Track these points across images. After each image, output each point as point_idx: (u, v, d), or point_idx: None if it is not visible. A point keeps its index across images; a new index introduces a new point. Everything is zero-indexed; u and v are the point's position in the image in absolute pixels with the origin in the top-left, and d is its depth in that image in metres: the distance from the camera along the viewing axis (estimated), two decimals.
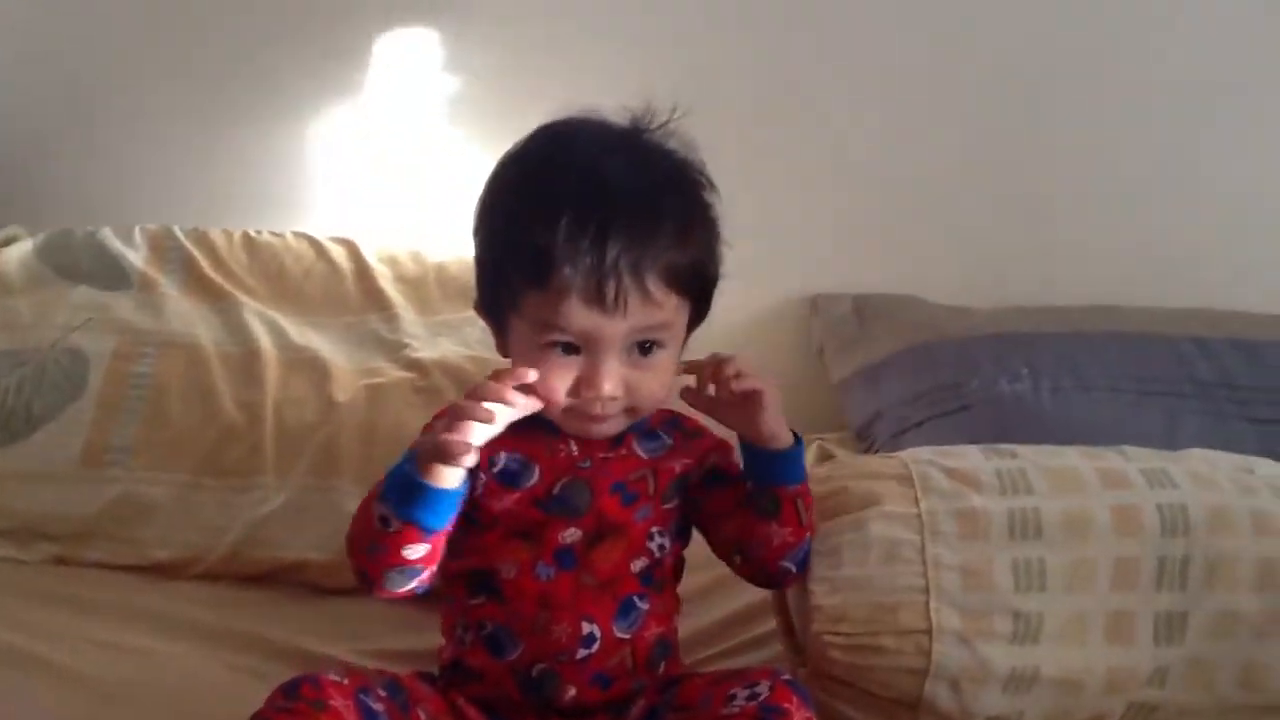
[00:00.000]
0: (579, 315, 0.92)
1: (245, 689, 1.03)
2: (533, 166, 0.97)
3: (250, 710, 0.89)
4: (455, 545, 1.00)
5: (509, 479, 1.00)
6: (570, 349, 0.94)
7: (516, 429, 0.97)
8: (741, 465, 1.04)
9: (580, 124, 0.98)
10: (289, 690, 0.90)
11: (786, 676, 0.94)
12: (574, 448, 1.01)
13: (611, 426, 1.00)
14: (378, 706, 0.93)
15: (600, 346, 0.94)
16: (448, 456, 0.89)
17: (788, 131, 1.68)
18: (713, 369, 0.98)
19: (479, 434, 0.91)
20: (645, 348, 0.96)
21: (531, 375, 0.93)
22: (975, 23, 1.65)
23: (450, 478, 0.91)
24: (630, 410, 0.99)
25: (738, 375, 0.97)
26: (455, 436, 0.89)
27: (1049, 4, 1.65)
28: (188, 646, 1.19)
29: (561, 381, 0.95)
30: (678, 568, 1.07)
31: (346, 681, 0.93)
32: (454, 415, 0.91)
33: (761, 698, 0.90)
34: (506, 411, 0.92)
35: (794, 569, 1.03)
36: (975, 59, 1.67)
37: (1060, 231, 1.74)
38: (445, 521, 0.93)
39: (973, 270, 1.74)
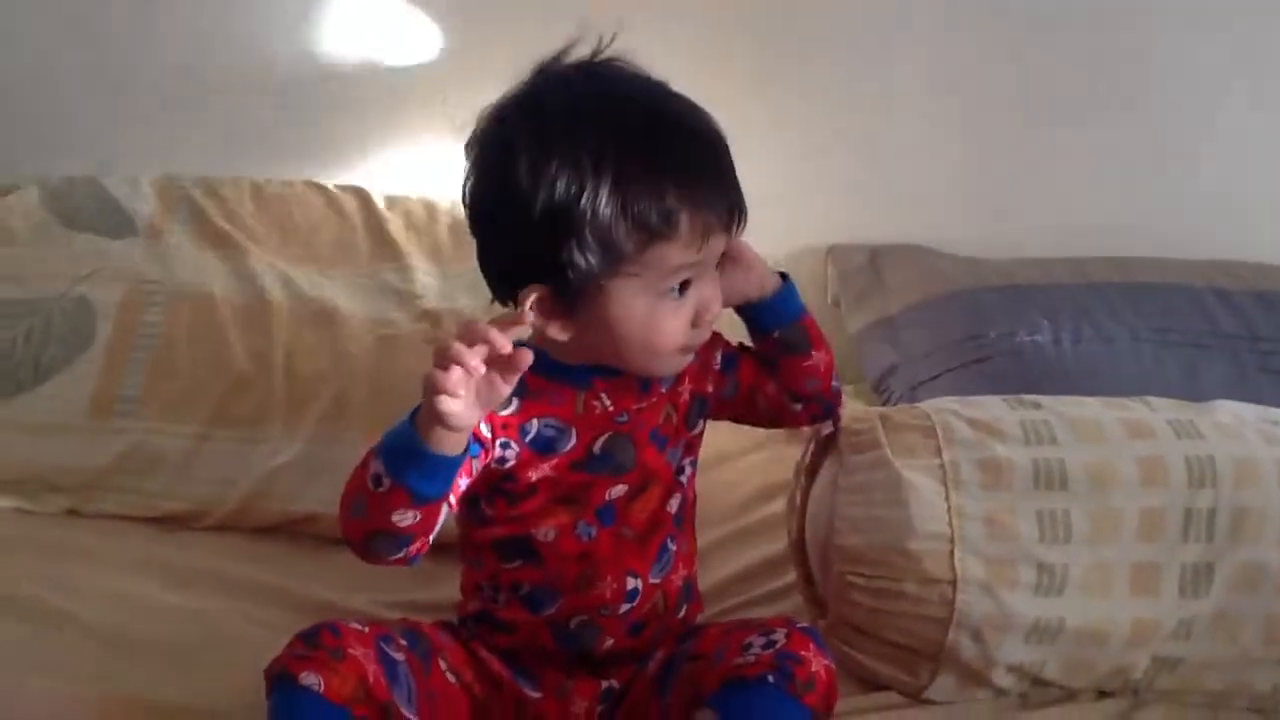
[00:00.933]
0: (717, 244, 0.92)
1: (261, 639, 1.02)
2: (589, 132, 0.88)
3: (264, 660, 0.88)
4: (486, 517, 0.99)
5: (544, 445, 0.97)
6: (682, 289, 0.92)
7: (544, 392, 0.95)
8: (749, 332, 1.06)
9: (593, 71, 0.93)
10: (309, 637, 0.89)
11: (802, 624, 0.93)
12: (607, 402, 0.99)
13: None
14: (398, 655, 0.92)
15: (710, 269, 0.94)
16: (441, 417, 0.82)
17: (802, 82, 1.65)
18: None
19: (468, 388, 0.82)
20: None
21: (529, 317, 0.87)
22: None
23: (450, 443, 0.84)
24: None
25: None
26: (442, 382, 0.81)
27: None
28: (202, 597, 1.19)
29: (680, 321, 0.93)
30: (695, 499, 1.07)
31: (367, 630, 0.92)
32: (439, 359, 0.82)
33: (778, 645, 0.89)
34: (508, 377, 0.85)
35: (839, 385, 1.10)
36: (994, 6, 1.63)
37: (1074, 182, 1.71)
38: (439, 491, 0.86)
39: (986, 222, 1.72)
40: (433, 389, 0.81)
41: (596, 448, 0.98)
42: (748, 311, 1.05)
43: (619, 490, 0.99)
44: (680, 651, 0.99)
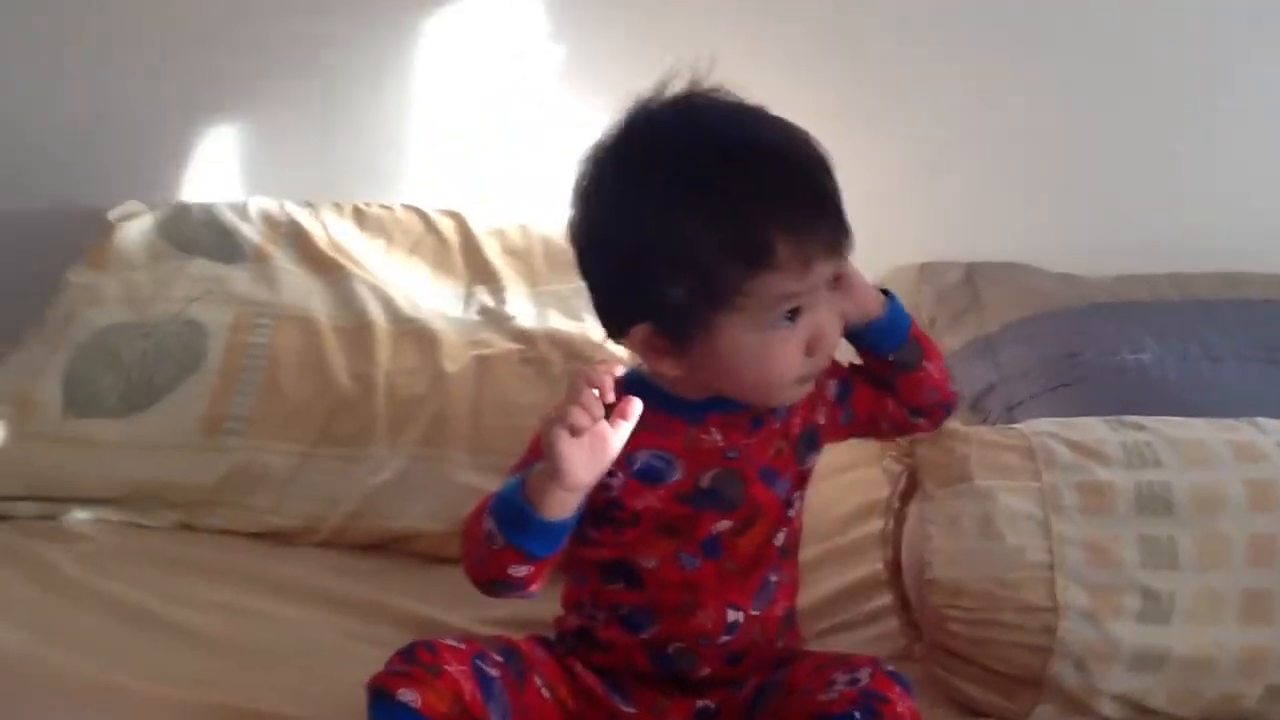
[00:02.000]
0: (821, 270, 0.89)
1: (363, 654, 1.05)
2: (685, 170, 0.88)
3: (368, 674, 0.90)
4: (593, 540, 0.99)
5: (651, 476, 0.97)
6: (792, 316, 0.90)
7: (653, 424, 0.94)
8: (861, 356, 1.04)
9: (686, 108, 0.92)
10: (406, 655, 0.91)
11: (889, 667, 0.92)
12: (717, 436, 0.97)
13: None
14: (493, 673, 0.93)
15: (821, 296, 0.92)
16: (560, 475, 0.84)
17: (893, 99, 1.64)
18: None
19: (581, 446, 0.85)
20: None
21: (618, 370, 0.88)
22: None
23: (561, 507, 0.87)
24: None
25: None
26: (561, 433, 0.83)
27: None
28: (307, 611, 1.22)
29: (794, 350, 0.91)
30: (800, 533, 1.06)
31: (463, 647, 0.93)
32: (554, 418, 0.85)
33: (862, 684, 0.89)
34: (624, 429, 0.87)
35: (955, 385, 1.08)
36: (1082, 16, 1.61)
37: (1177, 196, 1.68)
38: (551, 550, 0.89)
39: (1083, 238, 1.69)
40: (554, 439, 0.84)
41: (704, 482, 0.97)
42: (858, 336, 1.02)
43: (724, 525, 0.98)
44: (773, 681, 0.99)
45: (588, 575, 1.02)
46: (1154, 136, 1.66)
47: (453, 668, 0.90)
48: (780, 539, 1.01)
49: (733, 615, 0.98)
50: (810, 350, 0.92)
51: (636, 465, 0.96)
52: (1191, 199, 1.68)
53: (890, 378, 1.04)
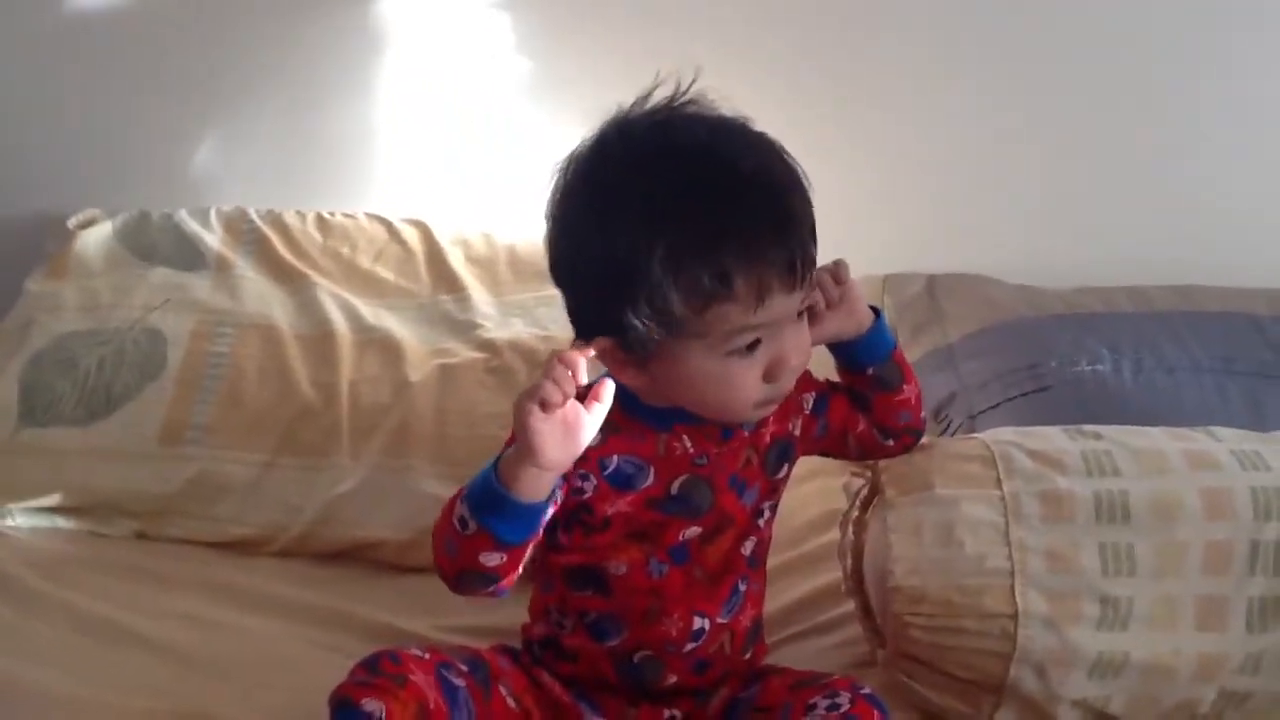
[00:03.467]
0: (778, 305, 0.88)
1: (325, 663, 1.04)
2: (651, 189, 0.87)
3: (330, 683, 0.89)
4: (561, 545, 0.99)
5: (622, 482, 0.97)
6: (751, 347, 0.90)
7: (625, 429, 0.95)
8: (839, 369, 1.06)
9: (659, 125, 0.90)
10: (370, 665, 0.90)
11: (866, 690, 0.92)
12: (688, 444, 0.97)
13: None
14: (459, 682, 0.93)
15: (786, 323, 0.91)
16: (533, 452, 0.83)
17: (857, 111, 1.66)
18: (833, 272, 0.99)
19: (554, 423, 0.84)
20: (799, 316, 0.94)
21: (590, 353, 0.88)
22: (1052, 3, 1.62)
23: (534, 488, 0.86)
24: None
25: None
26: (532, 404, 0.83)
27: None
28: (267, 621, 1.21)
29: (753, 378, 0.91)
30: (770, 543, 1.06)
31: (427, 656, 0.93)
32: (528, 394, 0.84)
33: (843, 709, 0.90)
34: (597, 410, 0.87)
35: (926, 413, 1.10)
36: (1043, 33, 1.63)
37: (1131, 211, 1.70)
38: (523, 536, 0.88)
39: (1041, 250, 1.71)
40: (525, 414, 0.83)
41: (674, 488, 0.97)
42: (841, 349, 1.04)
43: (693, 532, 0.98)
44: (745, 697, 0.99)
45: (555, 582, 1.01)
46: (1112, 152, 1.68)
47: (417, 677, 0.89)
48: (748, 548, 1.01)
49: (699, 622, 0.98)
50: (771, 376, 0.92)
51: (609, 469, 0.96)
52: (1148, 214, 1.71)
53: (868, 394, 1.05)
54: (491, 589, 0.91)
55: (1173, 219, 1.70)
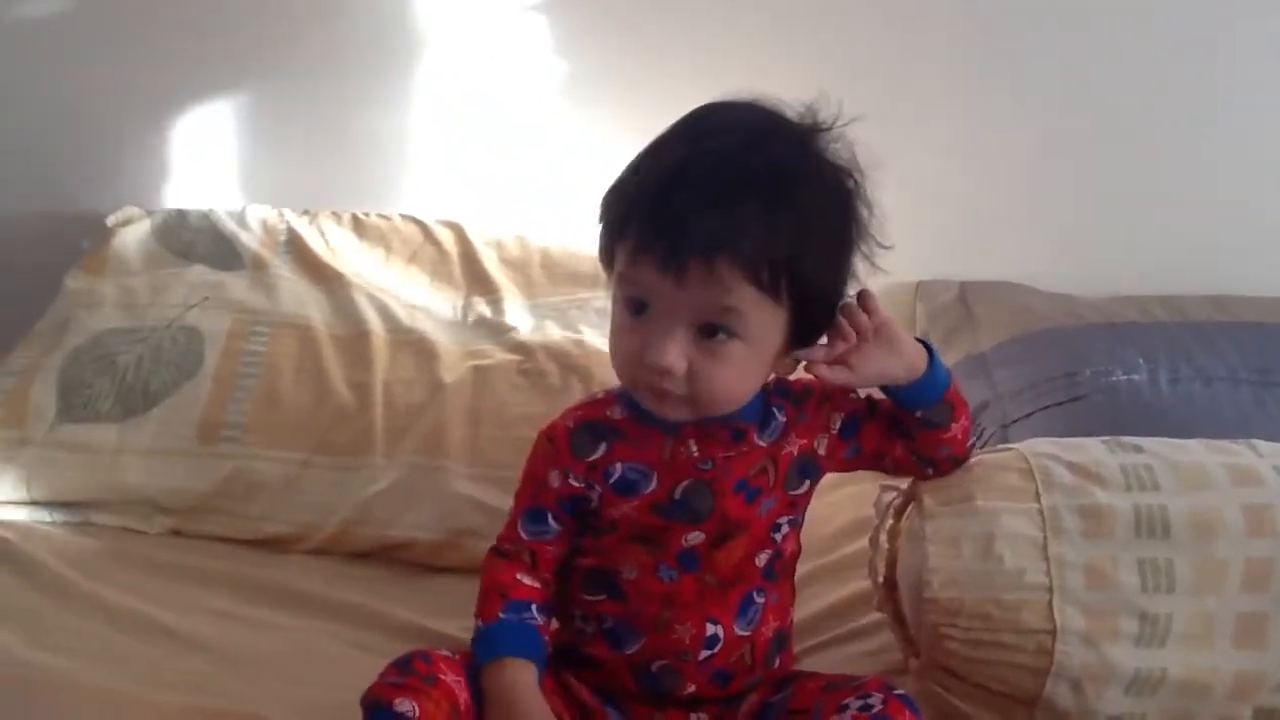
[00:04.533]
0: (649, 275, 0.89)
1: (356, 661, 1.06)
2: (671, 128, 0.95)
3: (362, 681, 0.91)
4: (579, 546, 1.01)
5: (626, 488, 0.98)
6: (636, 308, 0.92)
7: (632, 435, 0.97)
8: (893, 405, 1.03)
9: (752, 104, 0.94)
10: (402, 665, 0.91)
11: (899, 691, 0.92)
12: (694, 448, 0.98)
13: (674, 410, 0.95)
14: None
15: (662, 313, 0.91)
16: None
17: (891, 119, 1.65)
18: (861, 302, 0.97)
19: None
20: (711, 331, 0.91)
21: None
22: (1085, 11, 1.61)
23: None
24: (692, 401, 0.94)
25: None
26: None
27: None
28: (301, 619, 1.22)
29: (627, 344, 0.93)
30: (796, 557, 1.06)
31: (458, 657, 0.94)
32: None
33: (875, 710, 0.89)
34: None
35: (974, 441, 1.07)
36: (1086, 40, 1.62)
37: (1169, 221, 1.69)
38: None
39: (1075, 258, 1.71)
40: None
41: (677, 493, 0.98)
42: (891, 392, 1.01)
43: (696, 537, 0.98)
44: (777, 701, 0.99)
45: (575, 586, 1.03)
46: (1149, 161, 1.67)
47: (448, 677, 0.91)
48: (763, 560, 1.00)
49: (711, 629, 0.98)
50: (642, 357, 0.92)
51: (614, 478, 0.98)
52: (1183, 222, 1.69)
53: (912, 429, 1.03)
54: None
55: (1208, 228, 1.69)
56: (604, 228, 0.96)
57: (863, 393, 1.05)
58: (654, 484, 0.98)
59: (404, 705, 0.87)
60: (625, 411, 0.99)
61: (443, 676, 0.90)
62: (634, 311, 0.92)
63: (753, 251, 0.88)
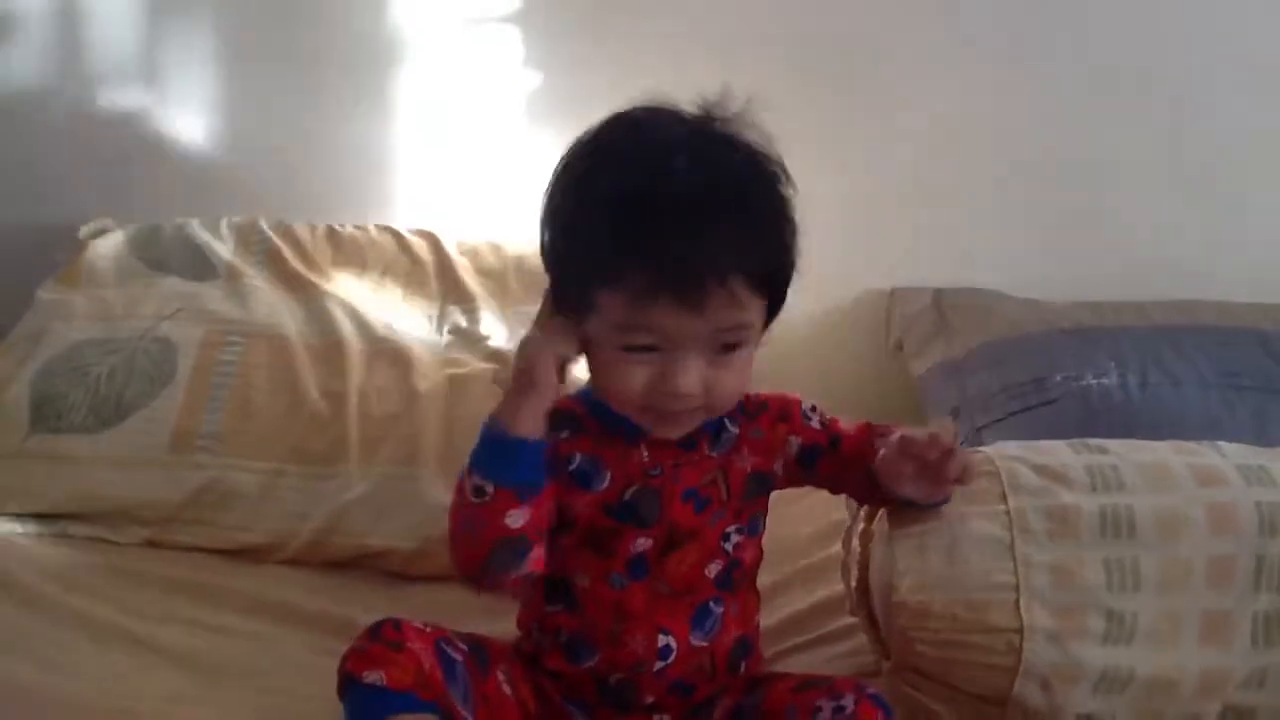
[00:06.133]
0: (664, 316, 0.88)
1: (331, 670, 1.04)
2: (606, 162, 0.92)
3: (335, 690, 0.92)
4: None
5: (582, 480, 0.99)
6: (647, 349, 0.91)
7: (591, 430, 0.98)
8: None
9: (654, 114, 0.94)
10: (372, 631, 0.94)
11: (871, 690, 0.93)
12: (645, 454, 0.99)
13: (688, 424, 0.97)
14: (456, 656, 0.95)
15: (681, 347, 0.91)
16: (532, 371, 0.91)
17: (865, 125, 1.67)
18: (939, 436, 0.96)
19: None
20: (726, 348, 0.93)
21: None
22: (1055, 18, 1.63)
23: (535, 423, 0.92)
24: (705, 411, 0.95)
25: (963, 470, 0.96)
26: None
27: None
28: (275, 627, 1.22)
29: (637, 380, 0.92)
30: (757, 564, 1.06)
31: (429, 630, 0.95)
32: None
33: (847, 711, 0.90)
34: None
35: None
36: (1054, 52, 1.65)
37: (1138, 228, 1.72)
38: (537, 475, 0.92)
39: (1048, 265, 1.73)
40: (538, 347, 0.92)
41: (626, 495, 0.99)
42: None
43: (644, 543, 0.98)
44: (748, 703, 0.99)
45: (534, 594, 1.03)
46: (1117, 171, 1.69)
47: (415, 645, 0.92)
48: (714, 570, 1.00)
49: (664, 640, 0.98)
50: (651, 388, 0.92)
51: (573, 465, 0.99)
52: (1152, 229, 1.71)
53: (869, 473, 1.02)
54: (523, 564, 0.93)
55: (1175, 234, 1.71)
56: (569, 277, 0.94)
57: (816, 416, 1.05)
58: (606, 482, 0.99)
59: (372, 676, 0.90)
60: (585, 408, 1.00)
61: (410, 644, 0.92)
62: (641, 350, 0.91)
63: (756, 264, 0.90)
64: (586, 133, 0.95)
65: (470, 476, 0.93)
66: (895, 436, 0.98)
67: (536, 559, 0.94)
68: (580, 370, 0.98)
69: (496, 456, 0.92)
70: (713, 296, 0.88)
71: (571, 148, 0.95)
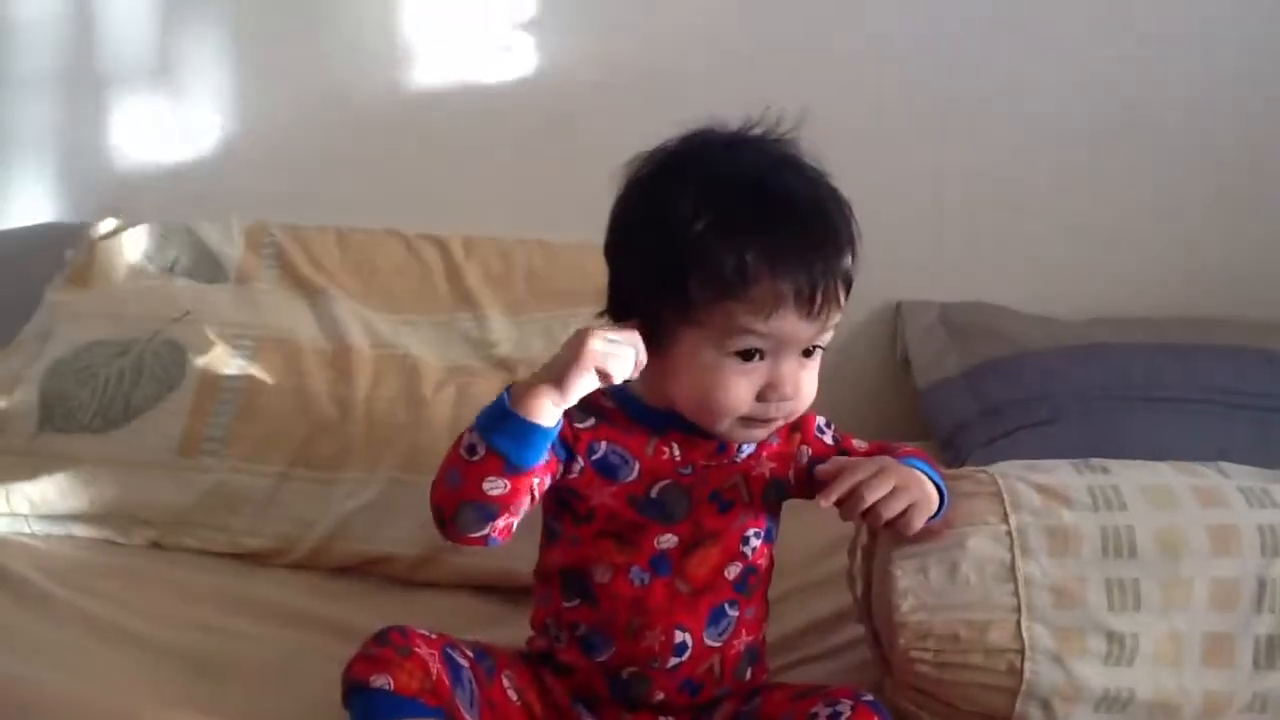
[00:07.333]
0: (787, 323, 0.92)
1: (335, 674, 1.05)
2: (707, 180, 0.94)
3: (339, 694, 0.93)
4: (555, 533, 1.02)
5: (608, 470, 1.00)
6: (750, 355, 0.94)
7: (618, 422, 0.99)
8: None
9: (733, 135, 0.98)
10: (379, 637, 0.95)
11: (868, 697, 0.94)
12: (676, 451, 1.00)
13: (775, 429, 1.00)
14: (462, 661, 0.97)
15: (789, 351, 0.95)
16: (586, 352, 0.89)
17: (873, 138, 1.67)
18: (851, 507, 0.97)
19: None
20: (810, 351, 0.97)
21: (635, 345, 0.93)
22: (1068, 36, 1.64)
23: (549, 414, 0.90)
24: (791, 412, 0.98)
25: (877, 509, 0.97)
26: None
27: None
28: (280, 631, 1.22)
29: (743, 389, 0.95)
30: (770, 572, 1.07)
31: (435, 636, 0.97)
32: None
33: (843, 716, 0.91)
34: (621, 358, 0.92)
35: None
36: (1066, 69, 1.66)
37: (1142, 246, 1.72)
38: (530, 460, 0.91)
39: (1053, 281, 1.73)
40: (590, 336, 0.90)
41: (654, 491, 1.00)
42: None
43: (669, 540, 1.00)
44: (747, 711, 1.00)
45: (551, 592, 1.04)
46: (1128, 183, 1.69)
47: (422, 650, 0.94)
48: (733, 573, 1.02)
49: (680, 636, 1.00)
50: (762, 396, 0.95)
51: (597, 454, 0.99)
52: (1160, 246, 1.72)
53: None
54: (487, 530, 0.92)
55: (1182, 251, 1.71)
56: (679, 291, 0.93)
57: (830, 432, 1.08)
58: (634, 474, 1.00)
59: (379, 680, 0.91)
60: (614, 402, 1.01)
61: (417, 649, 0.93)
62: (746, 358, 0.94)
63: (849, 272, 0.96)
64: (663, 152, 0.98)
65: (470, 433, 0.92)
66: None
67: (504, 528, 0.93)
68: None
69: (498, 422, 0.91)
70: (831, 303, 0.93)
71: (651, 169, 0.98)
